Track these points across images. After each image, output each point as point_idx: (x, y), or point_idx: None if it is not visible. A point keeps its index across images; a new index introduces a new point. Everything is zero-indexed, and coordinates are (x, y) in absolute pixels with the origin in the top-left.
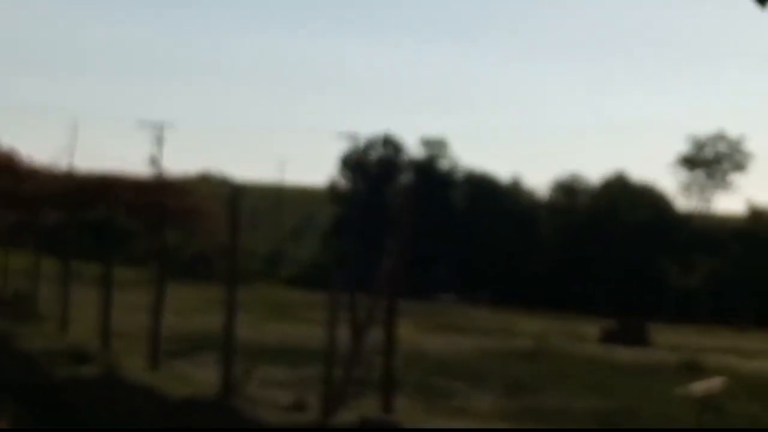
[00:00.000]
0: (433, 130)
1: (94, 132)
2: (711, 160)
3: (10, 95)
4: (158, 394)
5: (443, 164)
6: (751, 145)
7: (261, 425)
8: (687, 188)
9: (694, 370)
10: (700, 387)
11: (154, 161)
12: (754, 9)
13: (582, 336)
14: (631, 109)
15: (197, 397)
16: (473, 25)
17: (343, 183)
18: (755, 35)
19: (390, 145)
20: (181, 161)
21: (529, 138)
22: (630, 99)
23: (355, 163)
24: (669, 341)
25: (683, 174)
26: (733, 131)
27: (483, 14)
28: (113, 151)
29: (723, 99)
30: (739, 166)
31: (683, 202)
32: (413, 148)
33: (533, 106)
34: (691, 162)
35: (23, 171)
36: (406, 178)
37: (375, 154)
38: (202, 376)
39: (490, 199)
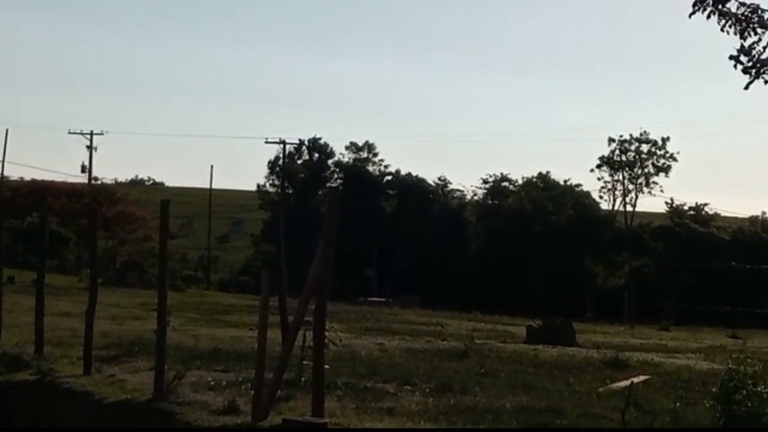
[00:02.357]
0: (360, 136)
1: (25, 141)
2: (633, 162)
3: None
4: (92, 398)
5: (371, 169)
6: (673, 147)
7: (193, 428)
8: (610, 189)
9: (618, 367)
10: (624, 384)
11: (85, 169)
12: (680, 15)
13: (509, 336)
14: (555, 114)
15: (131, 402)
16: (402, 37)
17: (271, 189)
18: (678, 40)
19: (317, 150)
20: (113, 169)
21: (455, 144)
22: (554, 104)
23: (283, 168)
24: (594, 340)
25: (606, 176)
26: (655, 133)
27: (412, 25)
28: (45, 160)
29: (645, 102)
30: (661, 167)
31: (607, 203)
32: (341, 154)
33: (459, 113)
34: (613, 164)
35: None
36: (333, 182)
37: (303, 160)
38: (135, 381)
39: (419, 202)
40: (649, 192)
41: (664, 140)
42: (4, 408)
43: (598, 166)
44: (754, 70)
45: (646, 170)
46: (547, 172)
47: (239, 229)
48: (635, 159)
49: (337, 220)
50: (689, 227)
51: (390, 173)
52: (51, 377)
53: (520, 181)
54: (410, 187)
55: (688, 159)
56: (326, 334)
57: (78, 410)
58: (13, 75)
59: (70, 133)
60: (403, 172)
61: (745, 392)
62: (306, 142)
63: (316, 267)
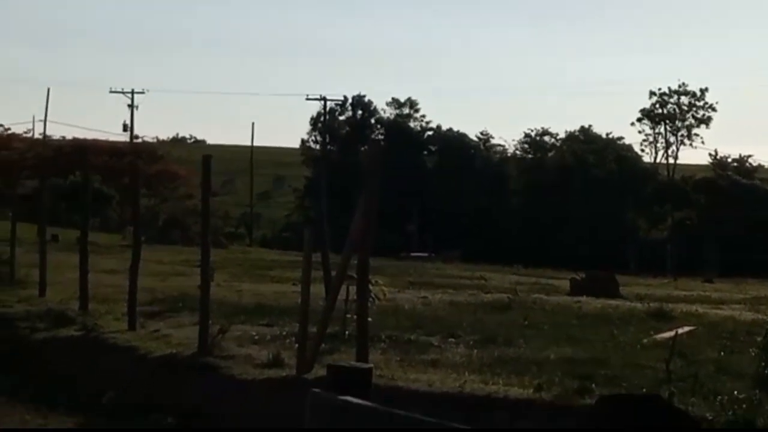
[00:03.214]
0: (402, 92)
1: (67, 101)
2: (673, 114)
3: None
4: (138, 353)
5: (413, 125)
6: (713, 98)
7: (238, 381)
8: (652, 142)
9: (662, 318)
10: (668, 335)
11: (126, 128)
12: None
13: (552, 289)
14: (595, 67)
15: (176, 356)
16: None
17: (314, 145)
18: None
19: (360, 107)
20: (154, 127)
21: (497, 99)
22: (594, 58)
23: (324, 125)
24: (637, 292)
25: (648, 129)
26: (694, 85)
27: None
28: (86, 119)
29: (684, 54)
30: (702, 119)
31: (648, 156)
32: (383, 110)
33: (500, 67)
34: (653, 117)
35: None
36: (375, 138)
37: (345, 117)
38: (180, 336)
39: (460, 157)
40: (691, 144)
41: (703, 91)
42: (50, 363)
43: (639, 120)
44: None
45: (686, 122)
46: (589, 126)
47: (281, 185)
48: (675, 111)
49: (379, 173)
50: (732, 179)
51: (431, 129)
52: (96, 333)
53: (562, 135)
54: (452, 142)
55: (731, 111)
56: (370, 288)
57: (123, 364)
58: (54, 34)
59: (111, 91)
60: (444, 128)
61: None
62: (350, 99)
63: (358, 221)
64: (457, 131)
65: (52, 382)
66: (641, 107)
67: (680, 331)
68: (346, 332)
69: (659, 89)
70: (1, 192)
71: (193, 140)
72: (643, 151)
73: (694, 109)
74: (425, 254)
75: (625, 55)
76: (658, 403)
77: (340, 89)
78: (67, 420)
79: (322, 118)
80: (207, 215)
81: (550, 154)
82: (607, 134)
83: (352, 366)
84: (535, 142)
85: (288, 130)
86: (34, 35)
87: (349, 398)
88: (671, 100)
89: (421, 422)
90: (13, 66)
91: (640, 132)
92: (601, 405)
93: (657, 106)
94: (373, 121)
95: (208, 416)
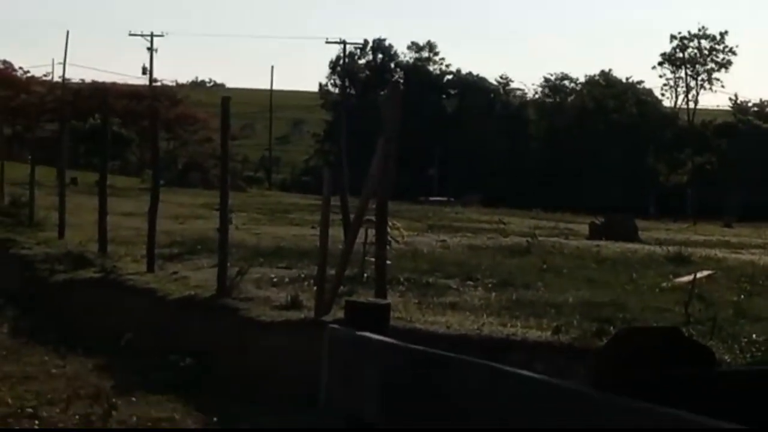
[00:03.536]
0: (421, 36)
1: (86, 44)
2: (694, 58)
3: (1, 8)
4: (156, 294)
5: (432, 68)
6: (733, 41)
7: (257, 322)
8: (672, 87)
9: (681, 262)
10: (687, 278)
11: (146, 71)
12: None
13: (571, 233)
14: (614, 10)
15: (194, 297)
16: None
17: (333, 89)
18: None
19: (380, 50)
20: (174, 71)
21: (517, 43)
22: (615, 2)
23: (344, 68)
24: (656, 236)
25: (668, 73)
26: (714, 28)
27: None
28: (106, 62)
29: None
30: (722, 62)
31: (669, 100)
32: (402, 54)
33: (520, 11)
34: (674, 61)
35: (18, 84)
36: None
37: (364, 60)
38: (198, 278)
39: (480, 101)
40: (711, 88)
41: (722, 35)
42: (69, 304)
43: (660, 64)
44: None
45: (707, 66)
46: (609, 70)
47: (300, 129)
48: (696, 55)
49: (399, 115)
50: (753, 123)
51: (451, 72)
52: (115, 274)
53: (582, 80)
54: (471, 86)
55: (752, 55)
56: (388, 231)
57: (143, 305)
58: None
59: (130, 34)
60: (464, 72)
61: None
62: (370, 43)
63: (378, 163)
64: (477, 75)
65: (71, 324)
66: (662, 51)
67: (699, 275)
68: (365, 275)
69: (680, 33)
70: (21, 135)
71: (212, 84)
72: (663, 95)
73: (715, 52)
74: (444, 198)
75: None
76: (677, 335)
77: (360, 33)
78: (86, 361)
79: (341, 62)
80: (226, 156)
81: (570, 99)
82: (627, 78)
83: (369, 302)
84: (555, 87)
85: (307, 73)
86: None
87: (366, 333)
88: (692, 44)
89: (440, 356)
90: (32, 9)
91: (660, 76)
92: (617, 338)
93: (677, 50)
94: (392, 65)
95: (227, 357)
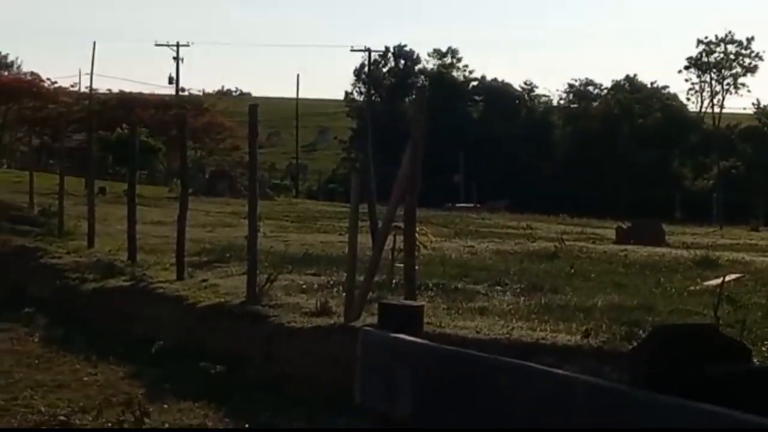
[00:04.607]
0: (445, 42)
1: (113, 54)
2: (720, 63)
3: (29, 19)
4: (186, 302)
5: (456, 75)
6: (760, 47)
7: (287, 329)
8: (698, 91)
9: (709, 266)
10: (715, 282)
11: (172, 81)
12: None
13: (598, 238)
14: (640, 15)
15: (224, 305)
16: None
17: (358, 96)
18: None
19: (402, 57)
20: (200, 80)
21: (541, 49)
22: (640, 6)
23: (369, 76)
24: (683, 240)
25: (694, 78)
26: (740, 34)
27: None
28: (132, 72)
29: (731, 2)
30: (748, 67)
31: (694, 105)
32: (425, 61)
33: (544, 17)
34: (700, 65)
35: (46, 95)
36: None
37: (388, 67)
38: (228, 285)
39: (505, 107)
40: (737, 93)
41: (749, 40)
42: (99, 312)
43: (686, 68)
44: None
45: (733, 71)
46: (634, 75)
47: (325, 137)
48: (722, 60)
49: (425, 121)
50: None
51: (475, 79)
52: (144, 282)
53: (607, 85)
54: (496, 92)
55: None
56: (416, 236)
57: (172, 314)
58: None
59: (156, 45)
60: (488, 78)
61: None
62: (392, 50)
63: (405, 169)
64: (502, 81)
65: (101, 332)
66: (688, 56)
67: (727, 278)
68: (394, 281)
69: (706, 38)
70: (49, 146)
71: (238, 93)
72: (688, 99)
73: (741, 57)
74: (471, 205)
75: (671, 3)
76: (711, 332)
77: (385, 41)
78: (117, 369)
79: (366, 70)
80: (254, 164)
81: (595, 104)
82: (652, 83)
83: (402, 304)
84: (579, 92)
85: (332, 81)
86: None
87: (400, 335)
88: (718, 49)
89: (474, 357)
90: (59, 19)
91: (686, 81)
92: (653, 335)
93: (704, 54)
94: (416, 71)
95: (257, 363)
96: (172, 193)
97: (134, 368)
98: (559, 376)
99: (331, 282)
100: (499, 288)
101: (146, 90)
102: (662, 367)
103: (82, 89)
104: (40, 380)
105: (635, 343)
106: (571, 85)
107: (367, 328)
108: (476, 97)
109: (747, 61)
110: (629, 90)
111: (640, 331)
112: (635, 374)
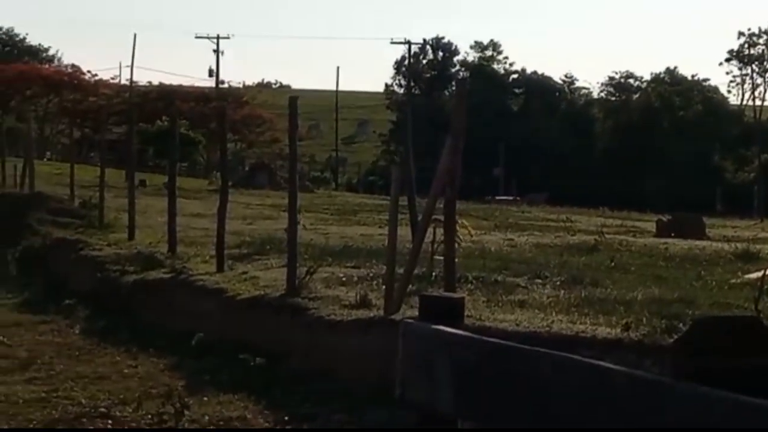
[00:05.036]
0: (483, 35)
1: (152, 46)
2: (762, 55)
3: (70, 12)
4: (226, 294)
5: (497, 67)
6: None
7: (326, 321)
8: (739, 84)
9: (749, 259)
10: (756, 275)
11: (212, 73)
12: None
13: (638, 231)
14: (681, 7)
15: (264, 297)
16: None
17: (398, 89)
18: None
19: (442, 49)
20: (240, 72)
21: (581, 39)
22: None
23: (408, 68)
24: (724, 233)
25: (735, 70)
26: None
27: None
28: (172, 64)
29: None
30: None
31: (736, 97)
32: (466, 53)
33: (583, 9)
34: (742, 58)
35: (86, 87)
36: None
37: (427, 60)
38: (267, 277)
39: (545, 100)
40: None
41: None
42: (140, 304)
43: (727, 60)
44: None
45: None
46: (675, 68)
47: (365, 129)
48: (764, 52)
49: (465, 112)
50: None
51: (515, 71)
52: (185, 275)
53: (647, 78)
54: (536, 85)
55: None
56: (456, 229)
57: (212, 306)
58: None
59: (196, 37)
60: (528, 70)
61: None
62: (430, 42)
63: (445, 161)
64: (542, 74)
65: (142, 324)
66: (729, 48)
67: None
68: (433, 273)
69: (748, 29)
70: (90, 138)
71: (278, 85)
72: (729, 92)
73: None
74: (511, 197)
75: None
76: (756, 324)
77: (425, 32)
78: (157, 361)
79: (406, 62)
80: (294, 156)
81: (635, 97)
82: (693, 76)
83: (443, 296)
84: (619, 85)
85: (372, 74)
86: None
87: (441, 327)
88: (760, 41)
89: (514, 348)
90: (100, 12)
91: (727, 73)
92: (695, 327)
93: (745, 47)
94: (456, 62)
95: (297, 356)
96: (212, 185)
97: (174, 360)
98: (601, 368)
99: (371, 274)
100: (539, 281)
101: (186, 82)
102: (704, 359)
103: (123, 81)
104: (81, 372)
105: (676, 336)
106: (611, 78)
107: (408, 320)
108: (516, 90)
109: None
110: (669, 83)
111: (681, 325)
112: (677, 366)
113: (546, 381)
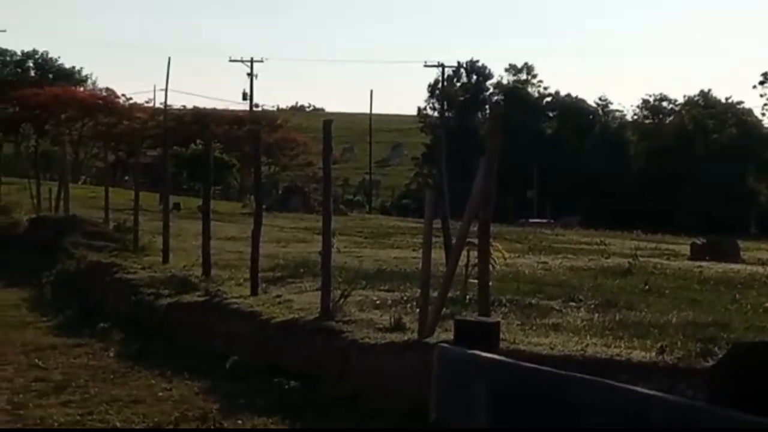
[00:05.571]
0: (517, 58)
1: (186, 70)
2: None
3: (105, 35)
4: (260, 317)
5: (531, 90)
6: None
7: (360, 345)
8: None
9: None
10: None
11: (246, 96)
12: None
13: (672, 254)
14: (714, 30)
15: (298, 320)
16: None
17: (431, 112)
18: None
19: (475, 72)
20: (274, 96)
21: (615, 62)
22: (713, 20)
23: (442, 91)
24: (758, 257)
25: None
26: None
27: None
28: (206, 88)
29: None
30: None
31: None
32: (500, 76)
33: (615, 29)
34: None
35: (120, 111)
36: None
37: (461, 83)
38: (301, 301)
39: (579, 123)
40: None
41: None
42: (174, 327)
43: (761, 83)
44: None
45: None
46: (709, 90)
47: (398, 153)
48: None
49: (499, 136)
50: None
51: (549, 94)
52: (219, 298)
53: (680, 101)
54: (570, 108)
55: None
56: (490, 251)
57: (246, 329)
58: (177, 3)
59: (230, 60)
60: (562, 93)
61: None
62: (464, 65)
63: (479, 183)
64: (576, 97)
65: (176, 347)
66: (763, 71)
67: None
68: (467, 296)
69: None
70: (124, 161)
71: (311, 108)
72: (764, 115)
73: None
74: (544, 220)
75: (745, 18)
76: None
77: (458, 56)
78: (192, 384)
79: (439, 85)
80: (329, 179)
81: (668, 120)
82: (727, 98)
83: (478, 320)
84: (653, 108)
85: (405, 97)
86: (155, 3)
87: (477, 352)
88: None
89: (550, 373)
90: (134, 36)
91: (762, 96)
92: (731, 353)
93: None
94: (489, 85)
95: (331, 379)
96: (245, 208)
97: (209, 383)
98: (637, 393)
99: (405, 298)
100: (573, 304)
101: (220, 106)
102: (740, 385)
103: (157, 105)
104: (116, 395)
105: (710, 360)
106: (645, 101)
107: (443, 344)
108: (550, 113)
109: None
110: (703, 105)
111: (716, 348)
112: (713, 392)
113: (582, 406)
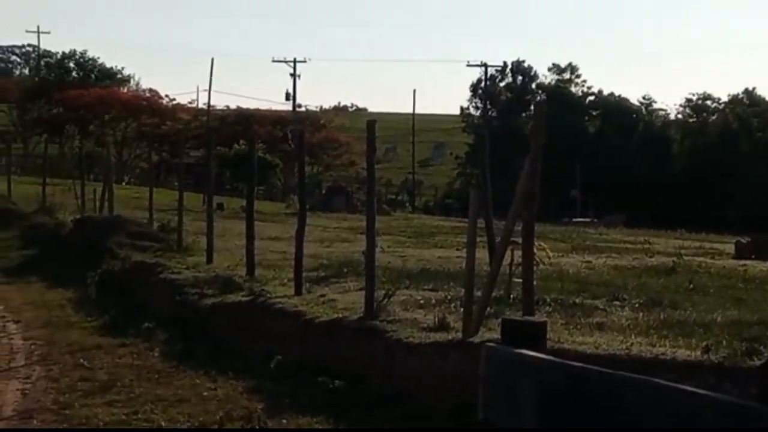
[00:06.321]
0: (560, 57)
1: (230, 70)
2: None
3: (148, 37)
4: (304, 317)
5: (574, 90)
6: None
7: (405, 344)
8: None
9: None
10: None
11: (289, 97)
12: None
13: (716, 252)
14: (755, 28)
15: (342, 320)
16: None
17: (474, 111)
18: None
19: (520, 72)
20: (316, 96)
21: (657, 62)
22: (756, 17)
23: (485, 91)
24: None
25: None
26: None
27: None
28: (250, 88)
29: None
30: None
31: None
32: (543, 76)
33: (659, 30)
34: None
35: (164, 112)
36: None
37: (505, 83)
38: (345, 300)
39: (622, 122)
40: None
41: None
42: (218, 327)
43: None
44: None
45: None
46: (753, 89)
47: (441, 152)
48: None
49: (543, 135)
50: None
51: (593, 94)
52: (263, 298)
53: (724, 99)
54: (613, 107)
55: None
56: (534, 251)
57: (290, 329)
58: (219, 4)
59: (273, 61)
60: (605, 93)
61: None
62: (510, 65)
63: (523, 183)
64: (619, 96)
65: (220, 347)
66: None
67: None
68: (511, 296)
69: None
70: (168, 162)
71: (354, 108)
72: None
73: None
74: (588, 219)
75: None
76: None
77: (500, 55)
78: (236, 383)
79: (482, 85)
80: (372, 179)
81: (712, 118)
82: None
83: (526, 320)
84: (697, 106)
85: (448, 97)
86: (198, 4)
87: (525, 351)
88: None
89: (599, 374)
90: (178, 37)
91: None
92: None
93: None
94: (533, 86)
95: (376, 379)
96: (289, 209)
97: (253, 383)
98: (687, 393)
99: (449, 297)
100: (617, 303)
101: (263, 106)
102: None
103: (200, 106)
104: (161, 395)
105: (756, 360)
106: (688, 100)
107: (491, 344)
108: (593, 112)
109: None
110: (747, 103)
111: (761, 347)
112: (763, 391)
113: (631, 406)
